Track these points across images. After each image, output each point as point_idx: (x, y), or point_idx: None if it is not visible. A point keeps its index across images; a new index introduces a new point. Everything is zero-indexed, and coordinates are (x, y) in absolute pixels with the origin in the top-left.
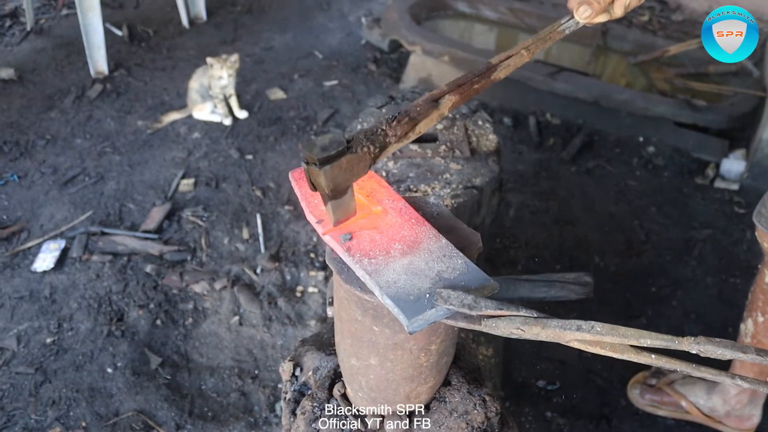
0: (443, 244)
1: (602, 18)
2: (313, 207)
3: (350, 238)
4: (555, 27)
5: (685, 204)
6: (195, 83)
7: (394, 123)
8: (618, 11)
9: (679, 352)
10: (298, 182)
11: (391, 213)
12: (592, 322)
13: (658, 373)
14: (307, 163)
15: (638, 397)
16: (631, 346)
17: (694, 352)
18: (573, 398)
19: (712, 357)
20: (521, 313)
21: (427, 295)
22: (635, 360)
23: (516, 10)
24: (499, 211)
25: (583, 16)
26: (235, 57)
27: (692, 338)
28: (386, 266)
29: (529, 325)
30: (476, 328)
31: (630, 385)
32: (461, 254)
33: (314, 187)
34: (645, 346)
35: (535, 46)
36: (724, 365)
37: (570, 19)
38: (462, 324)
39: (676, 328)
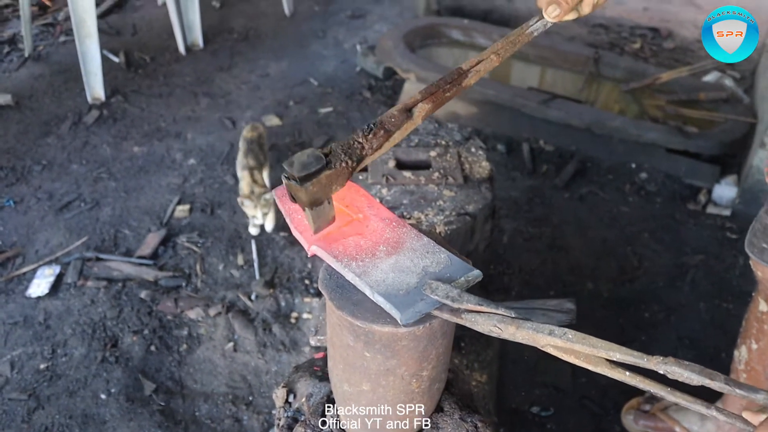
0: (425, 241)
1: (571, 16)
2: (298, 222)
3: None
4: (523, 29)
5: (678, 230)
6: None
7: (370, 136)
8: (586, 9)
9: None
10: (281, 199)
11: (372, 219)
12: (565, 329)
13: (652, 398)
14: (288, 179)
15: (632, 423)
16: (607, 360)
17: (661, 372)
18: (567, 424)
19: (679, 380)
20: (499, 312)
21: (416, 289)
22: (609, 375)
23: None
24: (492, 238)
25: (552, 15)
26: (269, 195)
27: (660, 357)
28: (374, 267)
29: (505, 324)
30: (458, 321)
31: (624, 411)
32: (443, 249)
33: (294, 199)
34: (615, 360)
35: (504, 50)
36: (715, 394)
37: (538, 20)
38: (446, 316)
39: (669, 354)
